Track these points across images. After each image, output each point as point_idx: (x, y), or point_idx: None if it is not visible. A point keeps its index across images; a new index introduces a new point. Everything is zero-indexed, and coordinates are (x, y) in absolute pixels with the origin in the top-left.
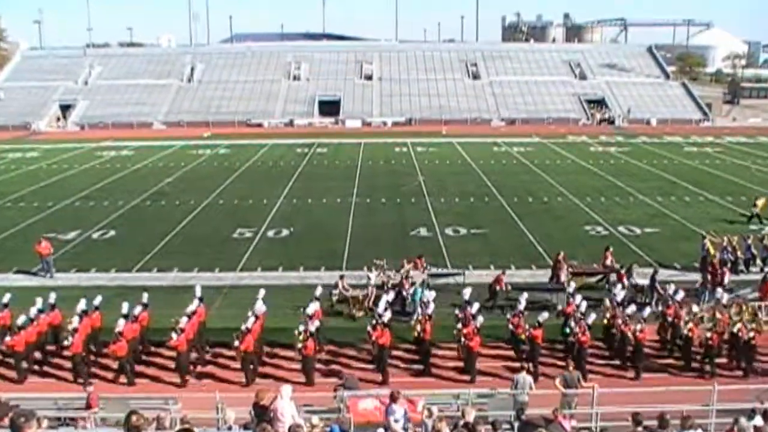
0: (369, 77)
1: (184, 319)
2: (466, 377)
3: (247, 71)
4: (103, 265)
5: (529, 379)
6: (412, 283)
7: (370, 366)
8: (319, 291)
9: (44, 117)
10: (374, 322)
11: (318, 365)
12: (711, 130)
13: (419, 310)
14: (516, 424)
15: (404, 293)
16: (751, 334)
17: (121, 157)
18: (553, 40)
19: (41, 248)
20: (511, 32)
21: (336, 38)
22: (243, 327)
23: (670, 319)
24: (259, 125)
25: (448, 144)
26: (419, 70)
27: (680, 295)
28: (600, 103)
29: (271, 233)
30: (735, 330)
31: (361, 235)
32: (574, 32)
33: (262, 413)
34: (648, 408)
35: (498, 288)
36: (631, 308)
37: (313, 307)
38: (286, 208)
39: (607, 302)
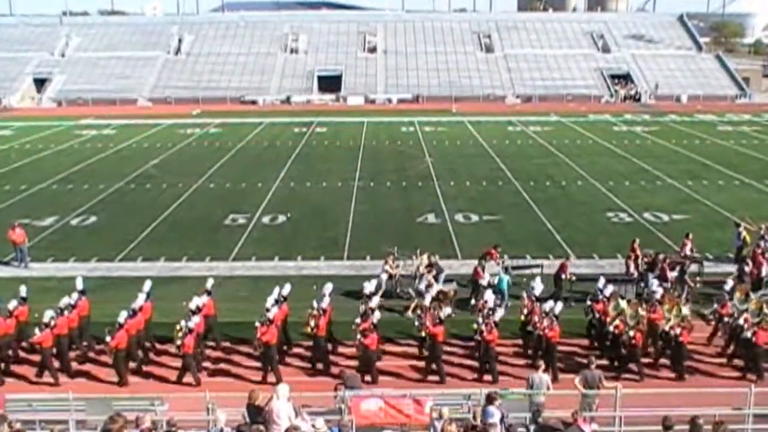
0: (373, 50)
1: (124, 313)
2: (477, 375)
3: (240, 43)
4: (83, 254)
5: (546, 378)
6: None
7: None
8: (209, 283)
9: (16, 92)
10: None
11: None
12: (748, 107)
13: (507, 300)
14: (532, 428)
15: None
16: (678, 330)
17: (103, 136)
18: (574, 9)
19: (14, 236)
20: (528, 1)
21: (337, 7)
22: (264, 318)
23: (598, 315)
24: (253, 102)
25: (458, 123)
26: (427, 42)
27: (609, 289)
28: (625, 78)
29: (266, 220)
30: (667, 328)
31: (364, 222)
32: (597, 0)
33: (257, 414)
34: (678, 411)
35: (563, 277)
36: (549, 304)
37: (197, 302)
38: (283, 193)
39: (525, 297)
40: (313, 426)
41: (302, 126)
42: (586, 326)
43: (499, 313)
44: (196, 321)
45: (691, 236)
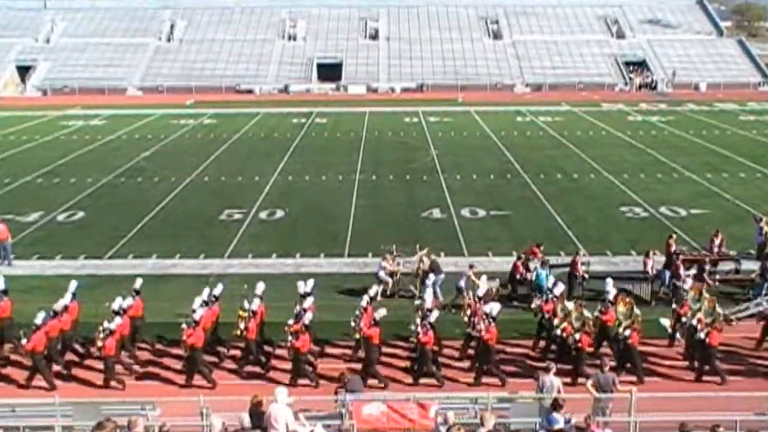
0: (375, 37)
1: (42, 314)
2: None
3: (235, 30)
4: (70, 251)
5: (557, 381)
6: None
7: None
8: (137, 283)
9: None
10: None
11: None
12: None
13: (548, 293)
14: None
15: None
16: (627, 332)
17: (91, 127)
18: None
19: None
20: None
21: None
22: (190, 320)
23: (547, 316)
24: (250, 92)
25: (464, 113)
26: (432, 28)
27: (559, 288)
28: (640, 65)
29: (263, 215)
30: (621, 329)
31: (366, 218)
32: None
33: (260, 420)
34: (697, 417)
35: (576, 274)
36: (489, 305)
37: (120, 303)
38: (281, 187)
39: (469, 297)
40: None
41: (301, 117)
42: (537, 328)
43: (435, 314)
44: (117, 322)
45: (720, 233)
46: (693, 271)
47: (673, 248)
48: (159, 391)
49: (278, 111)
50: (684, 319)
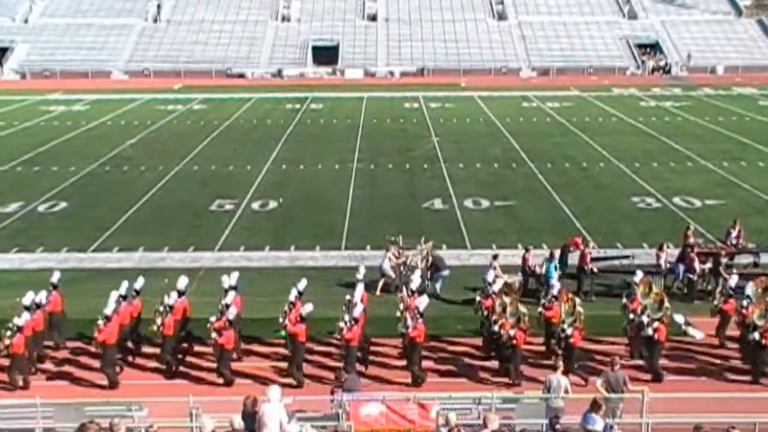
0: (373, 18)
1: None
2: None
3: (225, 10)
4: (52, 243)
5: (565, 380)
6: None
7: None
8: (55, 277)
9: None
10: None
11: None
12: None
13: (488, 288)
14: None
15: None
16: (570, 331)
17: (73, 113)
18: None
19: None
20: None
21: None
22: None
23: (485, 313)
24: (241, 76)
25: (468, 99)
26: (433, 9)
27: (498, 284)
28: (653, 47)
29: (256, 205)
30: (565, 326)
31: (364, 208)
32: None
33: (253, 422)
34: (712, 419)
35: (585, 268)
36: (419, 299)
37: (32, 297)
38: (274, 176)
39: (404, 291)
40: None
41: (296, 102)
42: (479, 325)
43: (424, 301)
44: (26, 318)
45: (738, 223)
46: (708, 265)
47: (691, 240)
48: (146, 390)
49: (271, 96)
50: (631, 316)
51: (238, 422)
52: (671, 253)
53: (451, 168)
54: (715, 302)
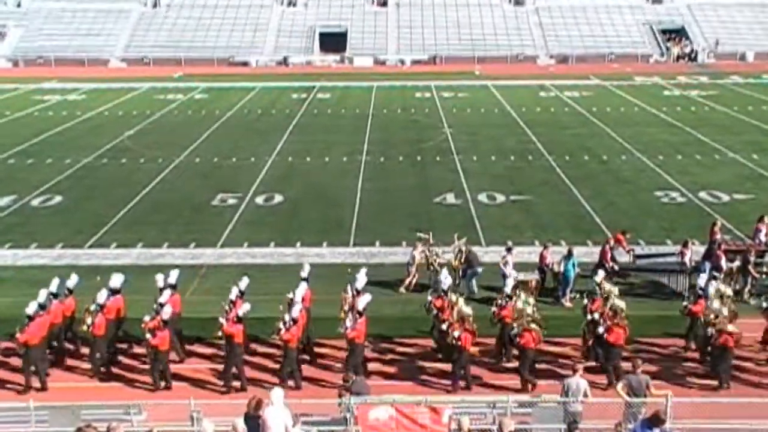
0: (383, 3)
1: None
2: (504, 381)
3: None
4: (47, 239)
5: (584, 383)
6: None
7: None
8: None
9: None
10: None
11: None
12: None
13: (440, 287)
14: None
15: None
16: (457, 333)
17: (68, 102)
18: None
19: None
20: None
21: None
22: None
23: (435, 312)
24: (245, 64)
25: (482, 88)
26: None
27: (448, 281)
28: (678, 33)
29: (260, 200)
30: (444, 327)
31: (373, 203)
32: None
33: (256, 426)
34: (738, 425)
35: (605, 264)
36: (363, 298)
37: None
38: (279, 169)
39: (345, 293)
40: None
41: (302, 91)
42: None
43: (297, 308)
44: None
45: (766, 220)
46: (737, 263)
47: (717, 237)
48: (145, 393)
49: (276, 85)
50: (589, 316)
51: (242, 426)
52: (696, 250)
53: (465, 161)
54: (684, 303)
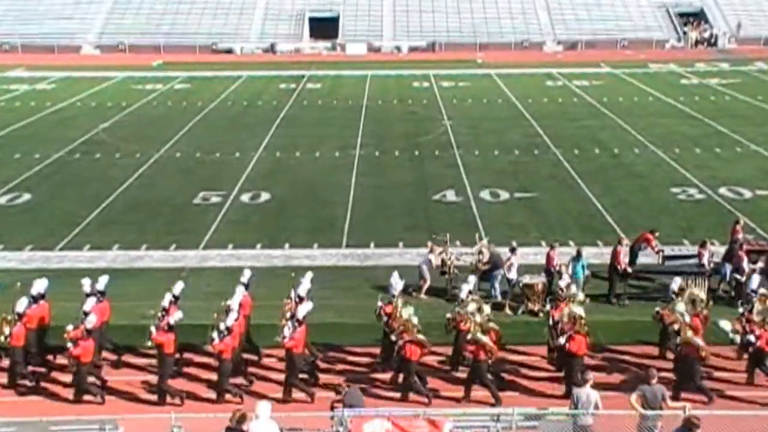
0: None
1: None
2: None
3: None
4: (14, 240)
5: (595, 395)
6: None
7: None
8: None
9: None
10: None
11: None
12: None
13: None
14: None
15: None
16: (401, 342)
17: (37, 92)
18: None
19: None
20: None
21: None
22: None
23: (386, 318)
24: (229, 51)
25: (484, 77)
26: None
27: (400, 284)
28: (697, 16)
29: (245, 198)
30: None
31: (367, 201)
32: None
33: None
34: None
35: (617, 267)
36: (303, 306)
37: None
38: (267, 164)
39: (287, 300)
40: None
41: (290, 81)
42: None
43: (233, 316)
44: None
45: None
46: (760, 264)
47: (739, 236)
48: (122, 407)
49: (263, 74)
50: (551, 322)
51: None
52: (715, 251)
53: (466, 155)
54: (656, 308)
